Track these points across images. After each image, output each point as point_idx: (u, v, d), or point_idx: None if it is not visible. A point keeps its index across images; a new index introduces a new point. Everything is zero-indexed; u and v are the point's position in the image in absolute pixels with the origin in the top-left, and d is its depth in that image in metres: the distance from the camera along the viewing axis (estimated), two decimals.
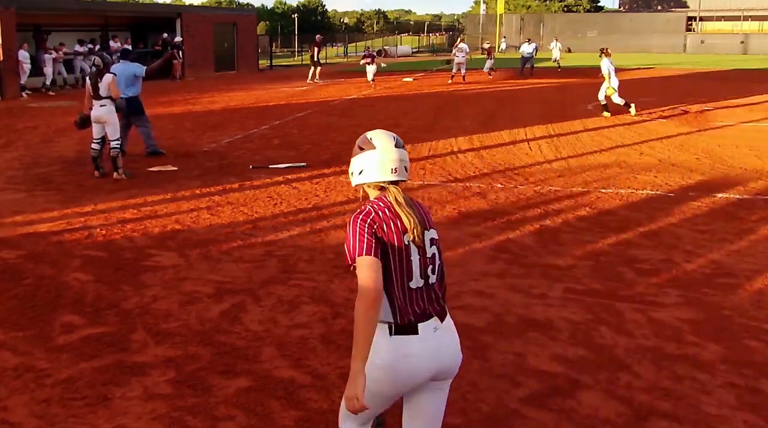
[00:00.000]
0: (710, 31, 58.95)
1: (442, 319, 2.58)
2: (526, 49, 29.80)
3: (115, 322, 4.86)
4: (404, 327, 2.49)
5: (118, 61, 10.96)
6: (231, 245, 6.58)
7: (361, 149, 2.65)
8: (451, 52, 29.69)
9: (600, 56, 15.97)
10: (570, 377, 4.09)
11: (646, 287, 5.51)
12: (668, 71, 30.69)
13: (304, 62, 42.99)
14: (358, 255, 2.45)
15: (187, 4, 63.89)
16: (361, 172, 2.64)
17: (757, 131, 13.61)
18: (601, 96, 15.88)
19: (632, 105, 15.54)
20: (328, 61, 43.82)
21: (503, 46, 55.64)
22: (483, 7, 68.72)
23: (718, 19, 61.97)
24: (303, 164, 10.26)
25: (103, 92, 9.06)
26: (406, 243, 2.52)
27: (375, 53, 24.43)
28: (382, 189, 2.62)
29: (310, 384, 4.02)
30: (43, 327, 4.78)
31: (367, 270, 2.43)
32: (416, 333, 2.50)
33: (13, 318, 4.91)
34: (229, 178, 9.37)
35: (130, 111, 10.28)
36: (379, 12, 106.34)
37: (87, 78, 9.38)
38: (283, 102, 19.77)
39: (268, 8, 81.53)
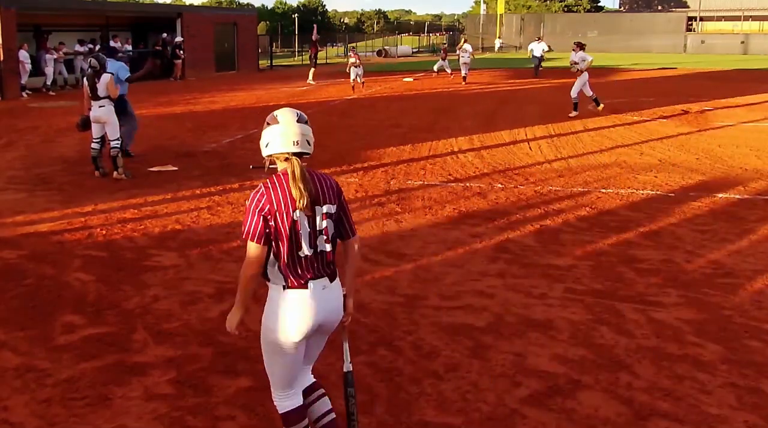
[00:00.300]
0: (710, 31, 58.94)
1: (331, 280, 2.98)
2: (537, 48, 28.95)
3: (116, 322, 4.87)
4: (298, 285, 2.91)
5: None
6: (231, 245, 6.59)
7: (268, 124, 3.03)
8: (453, 52, 29.62)
9: (575, 50, 15.97)
10: (570, 377, 4.09)
11: (646, 287, 5.51)
12: (670, 71, 30.68)
13: (304, 62, 42.97)
14: (249, 239, 2.86)
15: (187, 4, 63.92)
16: (267, 145, 3.00)
17: (758, 131, 13.61)
18: (574, 93, 15.83)
19: (576, 112, 15.52)
20: (328, 61, 43.84)
21: (498, 45, 55.69)
22: (483, 7, 68.71)
23: (719, 19, 61.96)
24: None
25: (101, 92, 9.07)
26: (297, 216, 2.86)
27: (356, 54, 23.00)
28: (287, 160, 2.92)
29: None
30: (44, 327, 4.78)
31: (250, 252, 2.87)
32: (305, 289, 2.91)
33: (14, 318, 4.91)
34: (230, 178, 9.38)
35: (121, 109, 10.21)
36: (379, 12, 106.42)
37: (84, 79, 9.37)
38: (284, 102, 19.76)
39: (269, 8, 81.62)
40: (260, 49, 37.80)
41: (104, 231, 7.01)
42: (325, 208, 2.93)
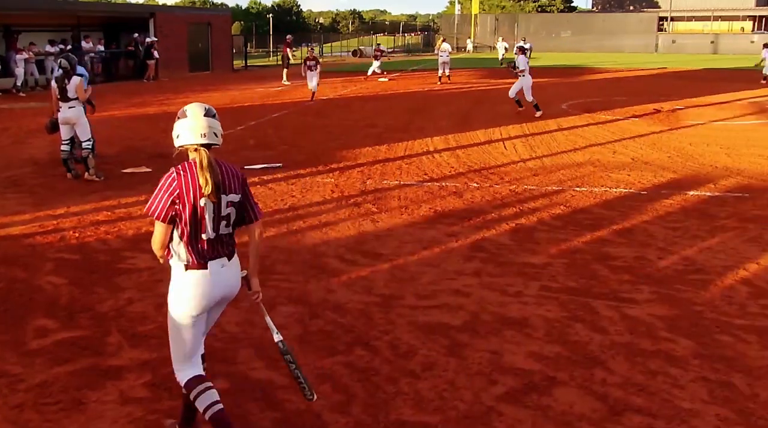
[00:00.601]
0: (681, 31, 59.85)
1: (230, 259, 3.27)
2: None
3: (90, 326, 4.81)
4: (198, 265, 3.18)
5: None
6: None
7: (178, 118, 3.21)
8: (431, 51, 29.79)
9: (517, 54, 16.12)
10: (546, 374, 4.13)
11: (619, 284, 5.58)
12: (642, 70, 31.05)
13: (279, 62, 42.84)
14: (155, 217, 3.13)
15: (160, 4, 63.30)
16: (177, 137, 3.20)
17: (727, 130, 13.84)
18: (512, 93, 15.92)
19: (529, 108, 15.68)
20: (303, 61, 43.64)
21: (470, 47, 55.94)
22: (458, 7, 69.00)
23: (689, 19, 62.94)
24: (279, 165, 10.23)
25: (71, 94, 8.96)
26: (203, 203, 3.11)
27: (316, 57, 20.54)
28: (196, 150, 3.16)
29: (288, 385, 4.01)
30: (16, 331, 4.71)
31: (156, 231, 3.18)
32: (205, 268, 3.19)
33: None
34: None
35: None
36: (354, 12, 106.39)
37: (53, 80, 9.23)
38: (259, 102, 19.68)
39: (243, 8, 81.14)
40: (235, 50, 37.61)
41: (77, 234, 6.92)
42: (229, 197, 3.20)
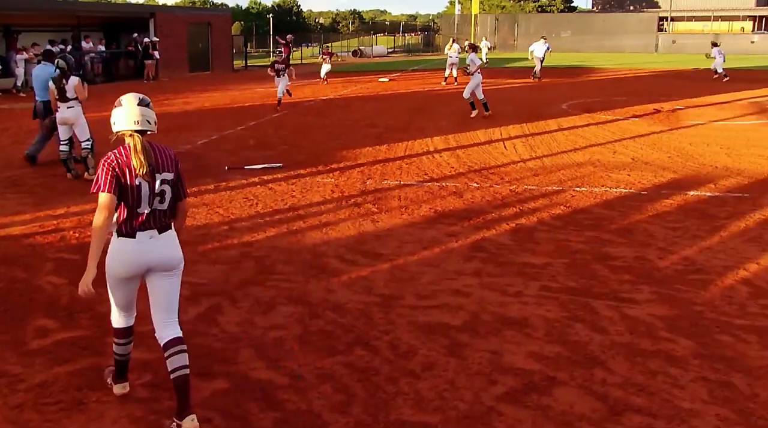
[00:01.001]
0: (681, 31, 59.84)
1: (160, 232, 3.60)
2: (539, 48, 26.45)
3: (90, 326, 4.81)
4: (126, 234, 3.55)
5: (39, 63, 10.79)
6: (207, 246, 6.54)
7: (115, 107, 3.57)
8: (428, 52, 29.51)
9: (467, 50, 15.96)
10: (546, 374, 4.13)
11: (619, 284, 5.58)
12: (642, 70, 31.04)
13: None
14: (100, 190, 3.46)
15: (160, 4, 63.32)
16: (114, 124, 3.56)
17: (728, 130, 13.84)
18: (466, 94, 15.64)
19: (476, 111, 15.50)
20: (303, 61, 43.72)
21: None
22: (458, 7, 68.99)
23: (689, 19, 62.95)
24: (279, 165, 10.23)
25: (69, 94, 8.97)
26: (138, 182, 3.47)
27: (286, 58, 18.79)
28: (131, 136, 3.50)
29: (288, 385, 4.01)
30: (16, 331, 4.72)
31: (101, 202, 3.46)
32: (133, 237, 3.55)
33: None
34: (205, 179, 9.31)
35: (46, 114, 10.07)
36: (354, 12, 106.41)
37: (51, 81, 9.22)
38: (259, 102, 19.70)
39: (243, 8, 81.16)
40: (235, 50, 37.62)
41: (77, 234, 6.92)
42: (163, 175, 3.56)
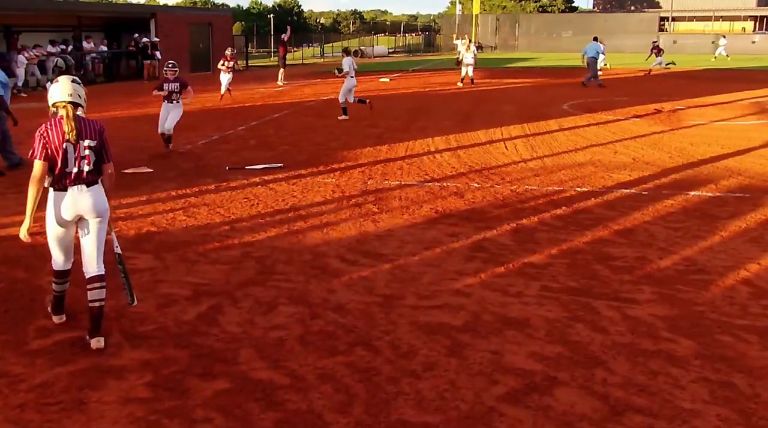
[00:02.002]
0: (682, 32, 59.80)
1: (88, 187, 4.41)
2: (593, 49, 22.56)
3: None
4: (60, 188, 4.39)
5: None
6: (207, 247, 6.55)
7: (52, 85, 4.48)
8: (429, 52, 29.16)
9: (342, 55, 15.83)
10: (547, 374, 4.13)
11: (621, 284, 5.57)
12: (642, 71, 31.01)
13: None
14: (33, 157, 4.31)
15: (161, 4, 63.34)
16: (51, 96, 4.40)
17: (728, 130, 13.83)
18: (341, 98, 15.39)
19: (346, 116, 15.27)
20: (303, 61, 43.71)
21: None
22: (459, 7, 68.99)
23: (690, 19, 62.89)
24: (280, 165, 10.23)
25: None
26: (65, 146, 4.30)
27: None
28: (64, 107, 4.33)
29: (289, 385, 4.01)
30: (17, 331, 4.72)
31: (36, 168, 4.32)
32: (65, 191, 4.39)
33: None
34: (206, 180, 9.32)
35: None
36: (355, 12, 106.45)
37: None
38: (260, 103, 19.70)
39: (244, 8, 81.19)
40: (236, 50, 37.60)
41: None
42: (86, 142, 4.38)
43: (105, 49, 27.46)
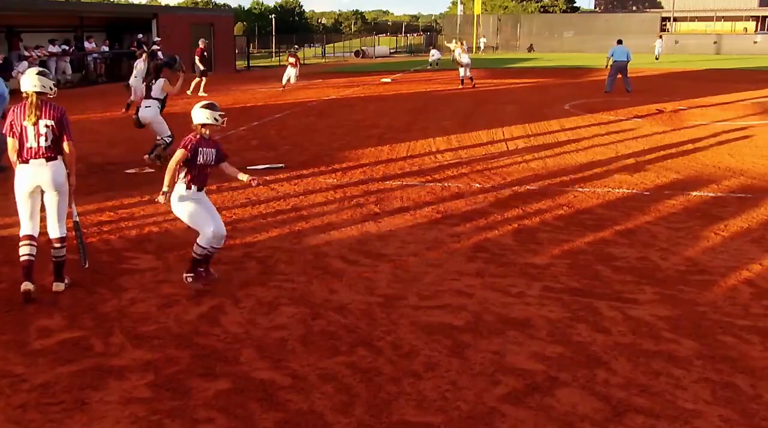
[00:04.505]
0: (684, 32, 59.76)
1: (47, 161, 5.19)
2: (620, 52, 20.91)
3: (93, 326, 4.82)
4: (23, 162, 5.19)
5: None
6: None
7: (22, 76, 5.32)
8: (431, 52, 29.05)
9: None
10: (548, 374, 4.13)
11: (622, 285, 5.57)
12: (644, 71, 31.00)
13: (282, 63, 42.86)
14: (6, 134, 5.20)
15: (163, 4, 63.39)
16: (22, 86, 5.21)
17: (730, 130, 13.80)
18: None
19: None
20: (305, 61, 43.69)
21: (482, 46, 55.68)
22: (460, 7, 68.97)
23: (692, 19, 62.88)
24: (281, 165, 10.23)
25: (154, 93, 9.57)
26: (26, 123, 5.14)
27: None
28: (29, 96, 5.18)
29: (290, 385, 4.01)
30: (19, 331, 4.73)
31: (8, 142, 5.20)
32: (27, 164, 5.18)
33: None
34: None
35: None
36: (356, 12, 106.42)
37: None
38: (261, 103, 19.71)
39: (246, 9, 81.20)
40: (237, 50, 37.64)
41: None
42: (45, 121, 5.16)
43: (107, 49, 27.48)
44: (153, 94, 10.06)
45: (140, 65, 14.76)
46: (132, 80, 14.73)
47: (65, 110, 5.32)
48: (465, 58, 23.11)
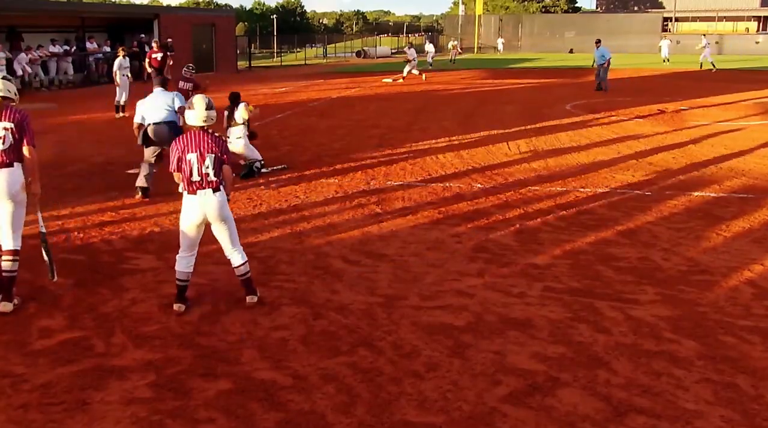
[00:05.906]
0: (686, 32, 59.66)
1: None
2: (602, 55, 21.19)
3: (94, 326, 4.82)
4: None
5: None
6: (210, 247, 6.53)
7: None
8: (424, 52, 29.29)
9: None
10: (549, 375, 4.12)
11: (623, 285, 5.57)
12: (646, 70, 30.98)
13: (283, 63, 42.90)
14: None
15: (164, 5, 63.43)
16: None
17: (732, 130, 13.79)
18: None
19: None
20: (306, 62, 43.71)
21: (500, 46, 55.45)
22: (462, 8, 68.94)
23: (694, 19, 62.83)
24: (283, 166, 10.23)
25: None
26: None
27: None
28: None
29: (291, 385, 4.02)
30: (20, 331, 4.73)
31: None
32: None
33: None
34: None
35: None
36: (358, 13, 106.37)
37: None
38: (263, 103, 19.69)
39: (247, 9, 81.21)
40: (239, 50, 37.65)
41: (81, 235, 6.94)
42: (3, 124, 4.92)
43: (108, 49, 27.49)
44: (237, 118, 9.69)
45: (120, 60, 15.92)
46: (118, 77, 15.73)
47: (29, 115, 5.13)
48: (411, 54, 26.43)
